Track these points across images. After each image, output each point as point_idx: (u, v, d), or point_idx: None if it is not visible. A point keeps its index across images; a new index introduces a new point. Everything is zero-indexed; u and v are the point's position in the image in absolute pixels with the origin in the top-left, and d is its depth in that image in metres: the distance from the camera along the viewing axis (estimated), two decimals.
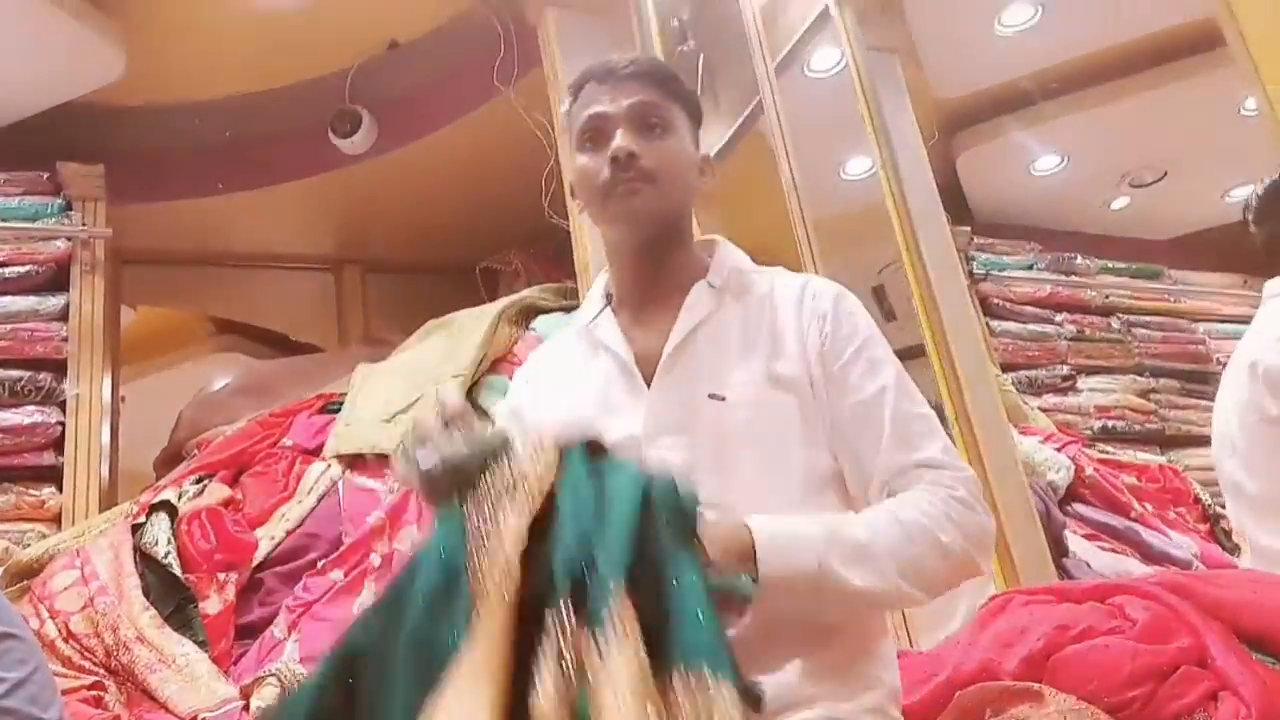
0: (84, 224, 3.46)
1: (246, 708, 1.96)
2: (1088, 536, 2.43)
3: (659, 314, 1.25)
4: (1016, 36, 2.80)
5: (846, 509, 1.17)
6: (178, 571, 2.26)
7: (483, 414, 2.75)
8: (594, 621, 0.75)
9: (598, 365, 1.27)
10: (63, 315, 3.29)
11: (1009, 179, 3.39)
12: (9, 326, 3.19)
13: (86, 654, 2.09)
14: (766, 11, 2.78)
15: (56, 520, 3.04)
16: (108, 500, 3.23)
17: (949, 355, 2.17)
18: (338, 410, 2.89)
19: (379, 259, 4.93)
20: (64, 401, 3.19)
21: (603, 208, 1.25)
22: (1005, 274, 3.37)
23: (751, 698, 0.77)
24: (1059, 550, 2.24)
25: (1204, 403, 3.01)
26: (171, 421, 3.60)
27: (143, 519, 2.44)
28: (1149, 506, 2.65)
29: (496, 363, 2.91)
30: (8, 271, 3.26)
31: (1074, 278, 3.47)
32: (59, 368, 3.22)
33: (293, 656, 2.11)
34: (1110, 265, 3.50)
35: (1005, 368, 3.12)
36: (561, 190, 2.83)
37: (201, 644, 2.13)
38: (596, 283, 1.36)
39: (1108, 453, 2.89)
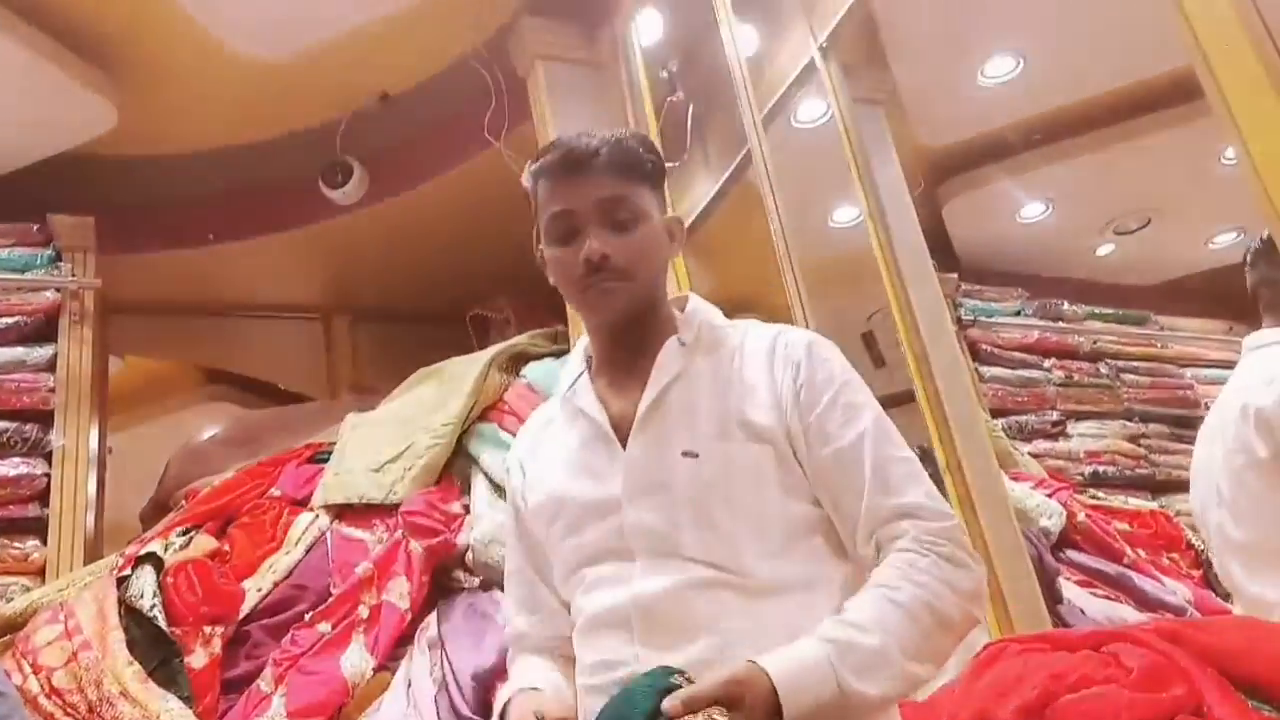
0: (73, 275, 3.47)
1: None
2: (1081, 583, 2.42)
3: (634, 376, 1.26)
4: (999, 88, 2.85)
5: (835, 556, 1.17)
6: (163, 624, 2.23)
7: (472, 461, 2.74)
8: None
9: (576, 431, 1.29)
10: (50, 366, 3.29)
11: (995, 226, 3.42)
12: None
13: (69, 710, 2.05)
14: (753, 64, 2.82)
15: (41, 573, 3.01)
16: (93, 553, 3.20)
17: (939, 401, 2.18)
18: (326, 460, 2.88)
19: (369, 307, 4.94)
20: (50, 453, 3.17)
21: (579, 300, 1.26)
22: (993, 320, 3.38)
23: None
24: (1053, 597, 2.23)
25: (1194, 448, 3.02)
26: (159, 472, 3.58)
27: (128, 571, 2.41)
28: (1142, 552, 2.64)
29: (487, 410, 2.90)
30: None
31: (1061, 323, 3.48)
32: (46, 419, 3.21)
33: (279, 711, 2.08)
34: (1097, 311, 3.52)
35: (995, 413, 3.12)
36: None
37: (186, 699, 2.09)
38: (577, 347, 1.37)
39: (1099, 498, 2.89)
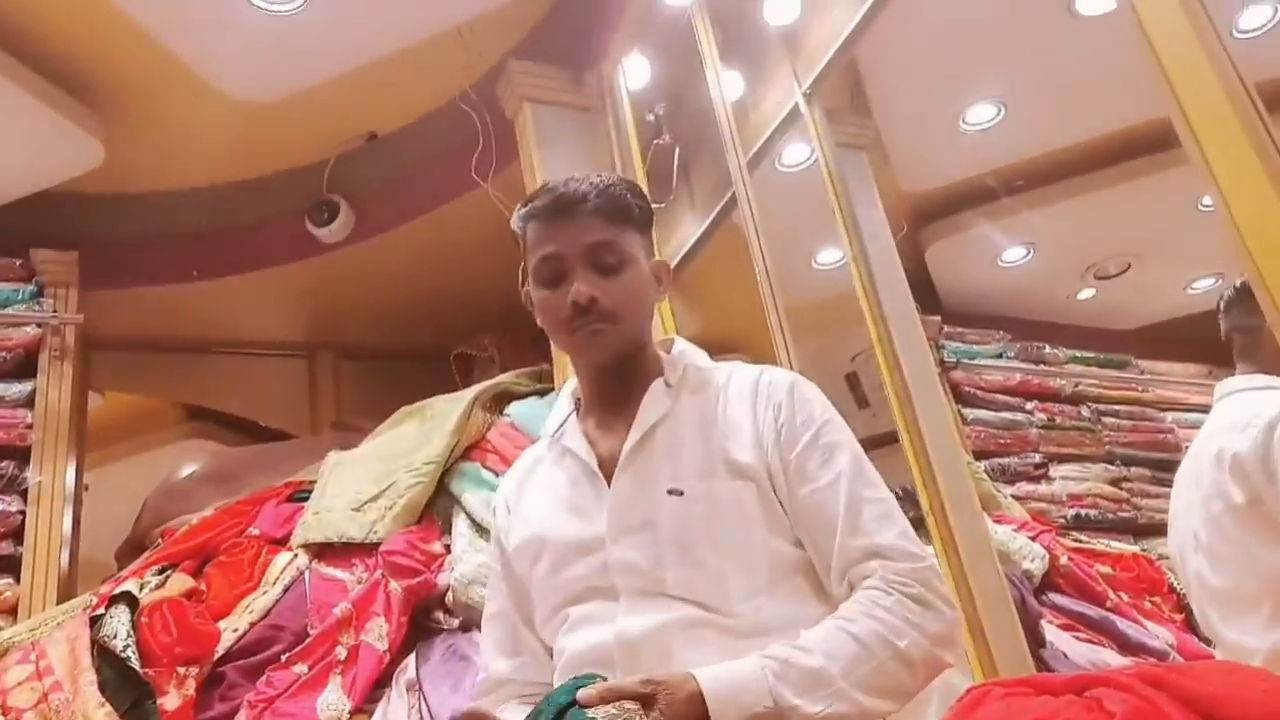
0: (55, 310, 3.45)
1: None
2: (1064, 626, 2.41)
3: (621, 416, 1.27)
4: (980, 135, 2.89)
5: (816, 597, 1.17)
6: (136, 665, 2.19)
7: (454, 500, 2.72)
8: None
9: (564, 471, 1.29)
10: (29, 402, 3.26)
11: (977, 270, 3.45)
12: None
13: None
14: (739, 108, 2.86)
15: (13, 612, 2.95)
16: (66, 591, 3.15)
17: (922, 443, 2.19)
18: (306, 498, 2.85)
19: (353, 345, 4.92)
20: (25, 490, 3.13)
21: (567, 342, 1.28)
22: (976, 362, 3.40)
23: None
24: (1035, 640, 2.22)
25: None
26: (136, 509, 3.54)
27: (102, 611, 2.37)
28: (1124, 596, 2.63)
29: (469, 449, 2.89)
30: None
31: (1043, 366, 3.51)
32: (22, 455, 3.17)
33: None
34: (1079, 355, 3.55)
35: (978, 455, 3.13)
36: None
37: None
38: (565, 389, 1.38)
39: (1081, 541, 2.89)
